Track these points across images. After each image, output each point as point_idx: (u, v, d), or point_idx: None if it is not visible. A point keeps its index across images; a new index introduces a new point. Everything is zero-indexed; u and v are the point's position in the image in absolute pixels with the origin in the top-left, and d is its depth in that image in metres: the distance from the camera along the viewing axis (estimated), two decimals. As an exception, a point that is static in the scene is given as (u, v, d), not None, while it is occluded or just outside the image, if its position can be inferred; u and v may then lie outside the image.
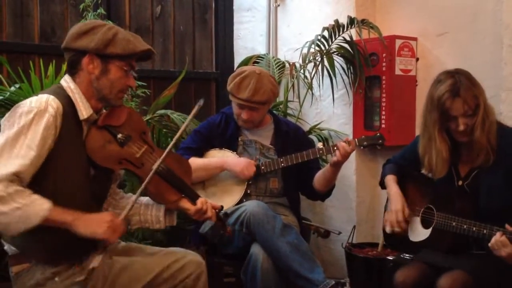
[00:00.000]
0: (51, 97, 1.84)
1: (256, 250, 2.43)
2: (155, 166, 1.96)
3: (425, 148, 2.32)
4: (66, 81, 1.95)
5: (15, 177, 1.71)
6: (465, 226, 2.16)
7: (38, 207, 1.73)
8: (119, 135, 1.98)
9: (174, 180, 2.07)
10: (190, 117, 2.12)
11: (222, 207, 2.22)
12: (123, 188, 2.90)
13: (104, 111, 2.05)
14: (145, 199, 2.15)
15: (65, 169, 1.86)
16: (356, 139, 2.73)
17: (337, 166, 2.65)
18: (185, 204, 2.09)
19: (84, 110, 1.92)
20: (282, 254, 2.39)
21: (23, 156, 1.73)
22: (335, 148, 2.61)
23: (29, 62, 3.09)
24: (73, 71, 1.95)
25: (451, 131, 2.25)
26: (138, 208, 2.14)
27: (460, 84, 2.16)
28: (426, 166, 2.34)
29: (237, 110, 2.72)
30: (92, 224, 1.81)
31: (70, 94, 1.91)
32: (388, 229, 2.41)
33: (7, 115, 1.83)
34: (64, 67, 2.81)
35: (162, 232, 3.08)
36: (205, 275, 2.05)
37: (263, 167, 2.70)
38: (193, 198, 2.11)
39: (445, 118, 2.22)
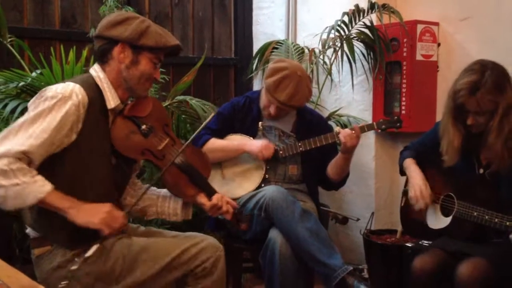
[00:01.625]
0: (78, 86, 1.87)
1: (274, 235, 2.44)
2: (174, 158, 2.00)
3: (442, 133, 2.32)
4: (96, 71, 1.99)
5: (24, 156, 1.75)
6: (486, 217, 2.14)
7: (38, 188, 1.76)
8: (143, 126, 2.02)
9: (192, 174, 2.10)
10: (208, 119, 2.17)
11: (239, 205, 2.25)
12: (142, 174, 2.93)
13: (130, 101, 2.08)
14: (163, 191, 2.18)
15: (88, 158, 1.89)
16: (374, 123, 2.74)
17: (346, 152, 2.64)
18: (202, 199, 2.13)
19: (112, 100, 1.96)
20: (300, 239, 2.39)
21: (35, 137, 1.77)
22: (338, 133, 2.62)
23: (50, 48, 3.11)
24: (103, 60, 1.98)
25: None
26: (156, 199, 2.17)
27: (482, 85, 2.11)
28: (442, 148, 2.33)
29: (267, 102, 2.70)
30: (88, 214, 1.82)
31: (99, 83, 1.95)
32: (414, 204, 2.40)
33: (34, 97, 1.87)
34: (85, 53, 2.86)
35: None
36: (223, 259, 2.07)
37: (281, 152, 2.70)
38: (210, 194, 2.14)
39: (460, 110, 2.20)
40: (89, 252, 1.84)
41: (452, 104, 2.22)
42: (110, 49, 1.95)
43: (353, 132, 2.59)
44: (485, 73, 2.13)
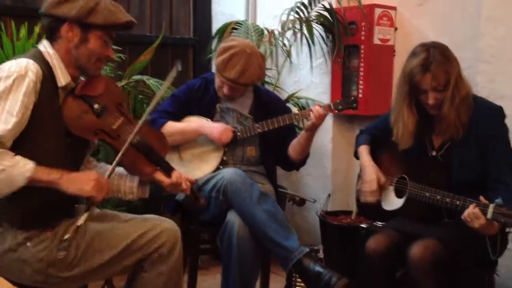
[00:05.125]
0: (31, 61, 1.81)
1: (232, 217, 2.44)
2: (129, 139, 1.96)
3: (395, 120, 2.36)
4: (45, 46, 1.93)
5: None
6: (438, 197, 2.19)
7: (22, 168, 1.73)
8: (96, 106, 1.97)
9: (149, 152, 2.07)
10: (166, 81, 2.10)
11: (196, 181, 2.25)
12: (97, 155, 2.87)
13: (81, 79, 2.02)
14: (119, 170, 2.14)
15: (43, 135, 1.85)
16: (331, 103, 2.73)
17: (312, 130, 2.65)
18: (160, 176, 2.10)
19: (62, 77, 1.90)
20: (258, 221, 2.40)
21: (4, 121, 1.73)
22: (310, 111, 2.61)
23: (0, 23, 3.00)
24: (52, 38, 1.93)
25: (423, 104, 2.27)
26: (112, 178, 2.12)
27: (433, 59, 2.17)
28: (394, 136, 2.38)
29: (220, 83, 2.68)
30: (79, 182, 1.82)
31: (49, 60, 1.89)
32: (362, 199, 2.44)
33: None
34: (37, 29, 2.76)
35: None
36: (180, 244, 2.05)
37: (239, 134, 2.69)
38: (168, 171, 2.12)
39: (416, 91, 2.24)
40: (80, 221, 1.82)
41: (406, 87, 2.26)
42: (57, 27, 1.90)
43: (324, 110, 2.60)
44: (429, 50, 2.20)
